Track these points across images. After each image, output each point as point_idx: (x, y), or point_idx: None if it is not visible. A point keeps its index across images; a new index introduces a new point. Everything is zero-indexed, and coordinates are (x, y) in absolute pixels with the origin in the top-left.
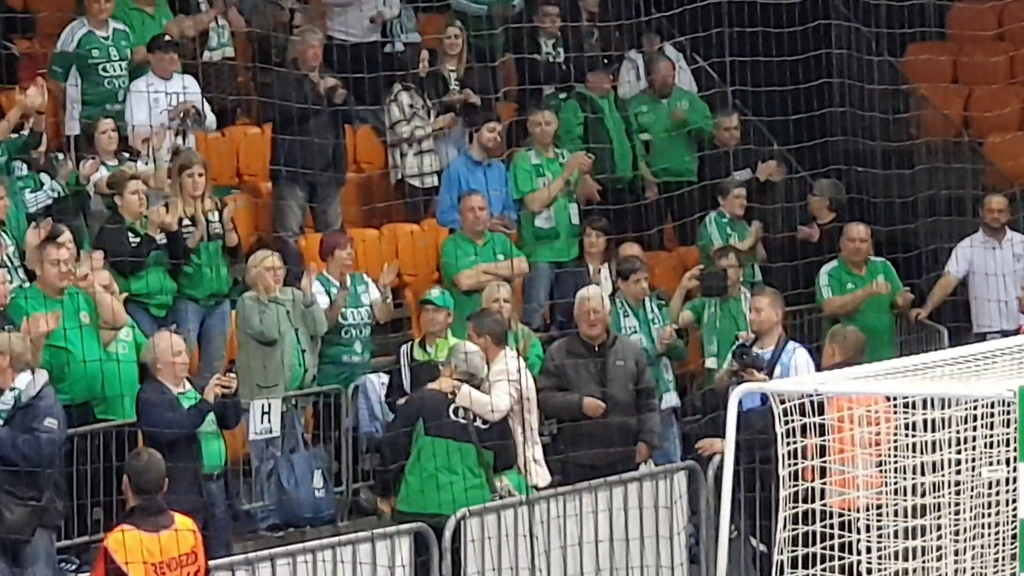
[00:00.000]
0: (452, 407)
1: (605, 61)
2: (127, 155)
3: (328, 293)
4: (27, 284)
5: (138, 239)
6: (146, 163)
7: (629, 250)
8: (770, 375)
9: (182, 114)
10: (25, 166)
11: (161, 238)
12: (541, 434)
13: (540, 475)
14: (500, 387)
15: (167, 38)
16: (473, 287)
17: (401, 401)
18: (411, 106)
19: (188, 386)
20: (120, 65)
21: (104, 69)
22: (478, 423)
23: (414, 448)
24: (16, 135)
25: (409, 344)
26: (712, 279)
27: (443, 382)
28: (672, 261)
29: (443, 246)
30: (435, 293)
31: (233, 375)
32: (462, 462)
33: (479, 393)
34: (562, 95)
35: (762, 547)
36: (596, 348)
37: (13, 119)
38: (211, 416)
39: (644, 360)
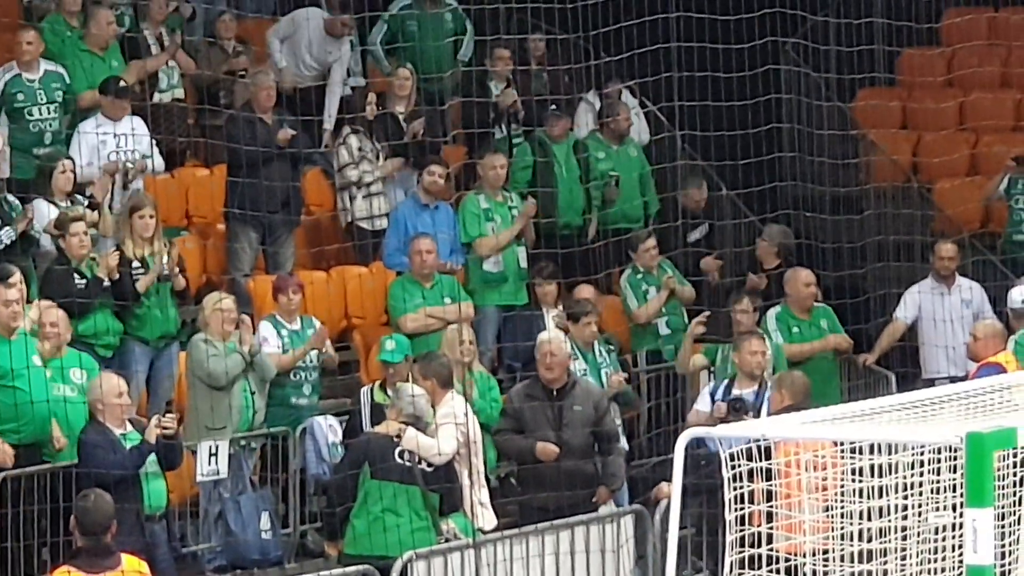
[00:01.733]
0: (398, 450)
1: (554, 107)
2: (80, 196)
3: (279, 335)
4: None
5: (84, 281)
6: (93, 207)
7: (581, 293)
8: (757, 415)
9: (124, 168)
10: None
11: (107, 281)
12: (497, 476)
13: (487, 518)
14: (446, 430)
15: (121, 83)
16: (418, 330)
17: (349, 443)
18: (360, 149)
19: (130, 427)
20: (49, 108)
21: (30, 112)
22: (423, 466)
23: (360, 491)
24: None
25: (369, 387)
26: (719, 323)
27: (389, 425)
28: (618, 306)
29: (390, 288)
30: (391, 346)
31: (173, 416)
32: (408, 505)
33: (424, 437)
34: (516, 138)
35: None
36: (555, 392)
37: None
38: (152, 457)
39: (604, 404)
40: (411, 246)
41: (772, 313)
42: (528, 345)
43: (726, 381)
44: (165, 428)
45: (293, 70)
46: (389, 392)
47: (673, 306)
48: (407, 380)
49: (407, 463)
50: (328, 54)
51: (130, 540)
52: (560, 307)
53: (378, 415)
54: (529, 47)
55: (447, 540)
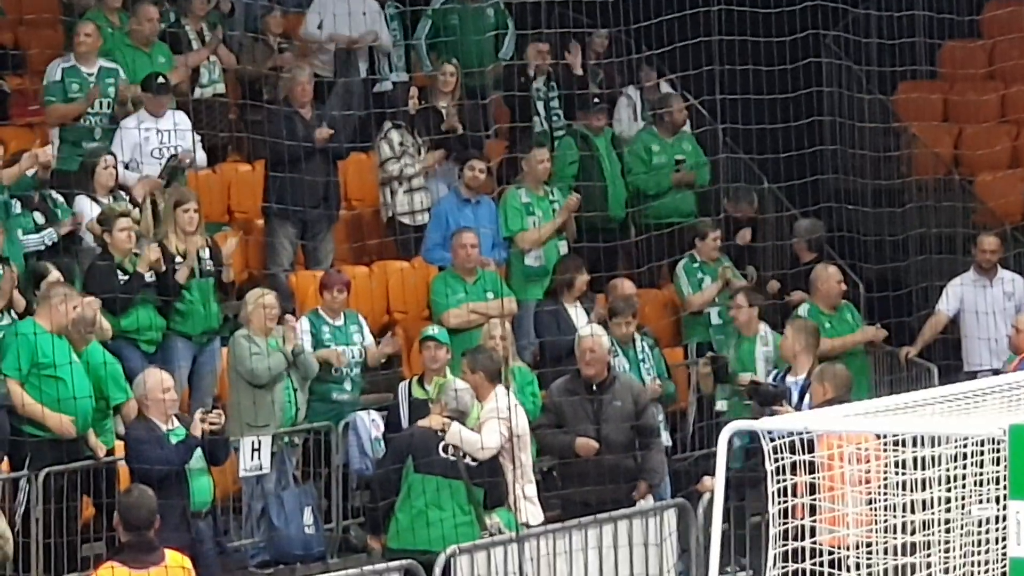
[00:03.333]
0: (441, 444)
1: (596, 101)
2: (122, 192)
3: (320, 331)
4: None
5: (127, 276)
6: (134, 204)
7: (622, 288)
8: (800, 401)
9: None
10: (19, 203)
11: (150, 275)
12: (539, 471)
13: (532, 513)
14: (491, 425)
15: (160, 80)
16: (461, 325)
17: (391, 438)
18: (401, 144)
19: (176, 423)
20: (102, 103)
21: None
22: (467, 460)
23: (404, 485)
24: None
25: (408, 381)
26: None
27: (433, 419)
28: (662, 299)
29: (433, 283)
30: (435, 330)
31: (219, 411)
32: (452, 499)
33: (469, 432)
34: (558, 132)
35: None
36: (595, 387)
37: (24, 167)
38: (199, 453)
39: (644, 399)
40: (454, 240)
41: (803, 310)
42: (567, 339)
43: (783, 371)
44: (212, 424)
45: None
46: (426, 386)
47: (726, 297)
48: (444, 373)
49: (451, 457)
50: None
51: (176, 536)
52: (595, 302)
53: (417, 409)
54: (585, 40)
55: (491, 535)
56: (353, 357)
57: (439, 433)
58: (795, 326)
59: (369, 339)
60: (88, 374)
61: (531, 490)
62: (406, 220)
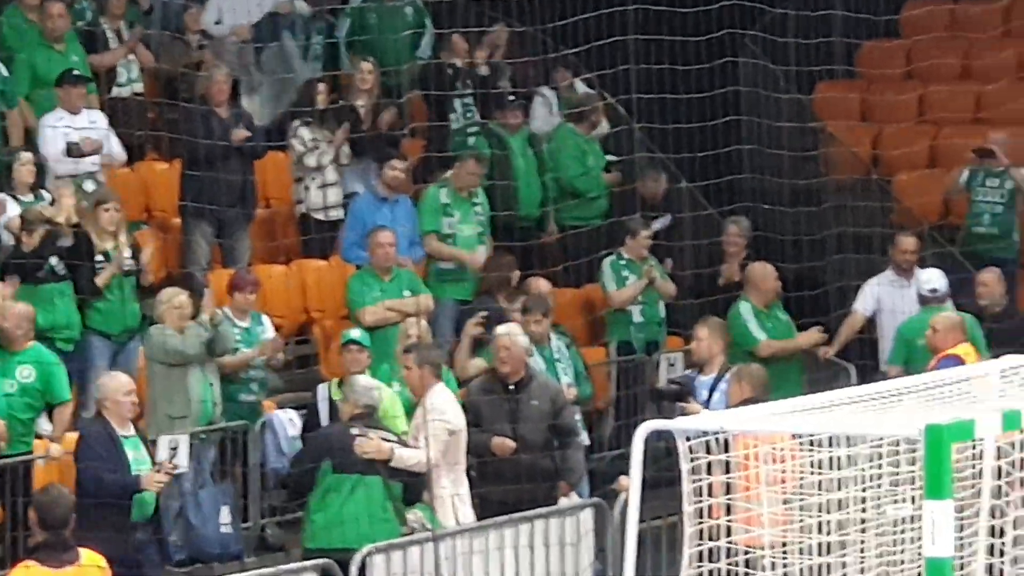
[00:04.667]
0: (358, 443)
1: (512, 98)
2: (43, 190)
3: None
4: None
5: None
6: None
7: (537, 287)
8: (710, 399)
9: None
10: None
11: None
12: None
13: (463, 513)
14: (430, 433)
15: (75, 74)
16: (377, 323)
17: (307, 437)
18: (313, 140)
19: (132, 429)
20: None
21: None
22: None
23: (321, 484)
24: None
25: (327, 384)
26: (496, 322)
27: (368, 445)
28: (581, 298)
29: (349, 282)
30: (357, 333)
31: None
32: (369, 497)
33: (410, 451)
34: (471, 130)
35: None
36: (512, 387)
37: None
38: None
39: (562, 399)
40: (371, 239)
41: (745, 308)
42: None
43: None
44: (159, 483)
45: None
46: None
47: (651, 297)
48: (365, 370)
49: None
50: None
51: (116, 540)
52: (512, 301)
53: (337, 412)
54: (489, 40)
55: (413, 531)
56: (260, 361)
57: (355, 433)
58: (710, 325)
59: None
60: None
61: (464, 489)
62: (320, 216)
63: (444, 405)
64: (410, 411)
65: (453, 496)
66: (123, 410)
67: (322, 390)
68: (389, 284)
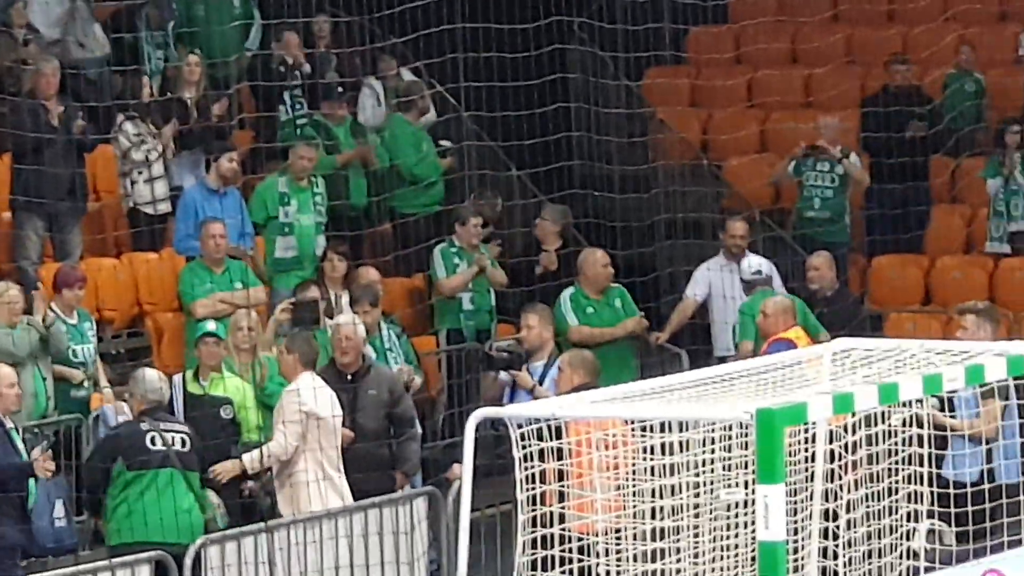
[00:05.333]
0: (149, 437)
1: (340, 89)
2: None
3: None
4: None
5: None
6: None
7: (367, 276)
8: (540, 385)
9: None
10: None
11: None
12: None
13: (329, 498)
14: (291, 424)
15: None
16: (208, 315)
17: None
18: (138, 134)
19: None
20: None
21: None
22: (177, 447)
23: (116, 482)
24: None
25: (182, 376)
26: (304, 310)
27: (133, 408)
28: (411, 287)
29: (181, 274)
30: (213, 326)
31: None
32: (168, 490)
33: (276, 445)
34: (300, 122)
35: None
36: (349, 376)
37: None
38: None
39: (399, 389)
40: (202, 231)
41: (567, 294)
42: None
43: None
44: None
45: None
46: (203, 381)
47: (482, 285)
48: (220, 369)
49: (160, 448)
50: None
51: (16, 530)
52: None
53: (193, 404)
54: (316, 29)
55: (214, 519)
56: (89, 355)
57: (144, 427)
58: (539, 312)
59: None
60: None
61: (334, 474)
62: (148, 210)
63: (305, 391)
64: (263, 401)
65: (316, 482)
66: (7, 402)
67: (177, 382)
68: (220, 276)
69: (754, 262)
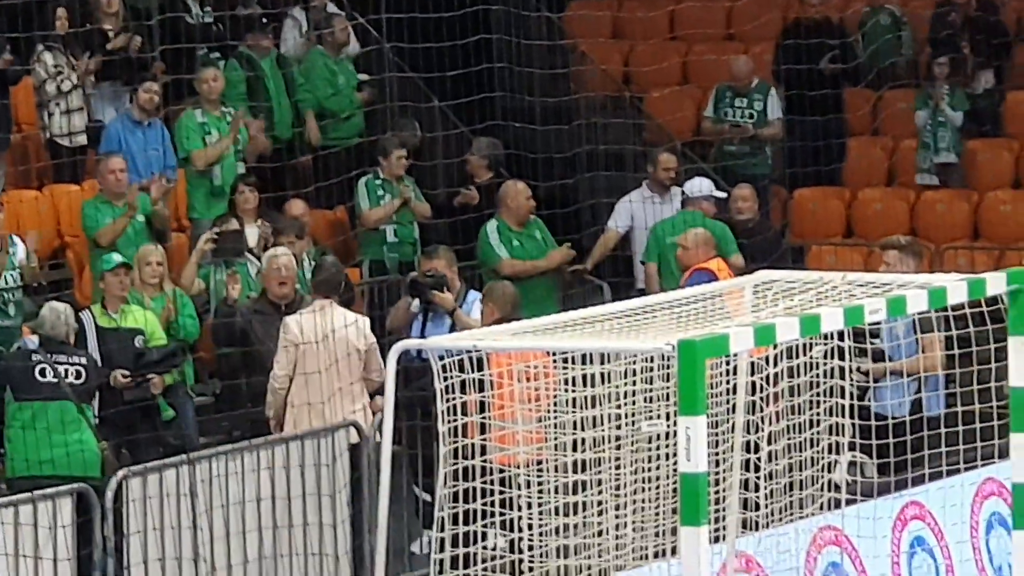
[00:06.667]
0: (40, 368)
1: (264, 20)
2: None
3: None
4: None
5: None
6: None
7: (292, 209)
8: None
9: None
10: None
11: None
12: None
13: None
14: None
15: None
16: (110, 243)
17: None
18: (56, 65)
19: None
20: None
21: None
22: (71, 379)
23: (8, 412)
24: None
25: (89, 309)
26: (229, 240)
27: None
28: (333, 218)
29: (83, 207)
30: (119, 257)
31: None
32: (59, 421)
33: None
34: (216, 55)
35: (426, 496)
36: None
37: None
38: None
39: None
40: (101, 165)
41: (492, 227)
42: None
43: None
44: None
45: None
46: (112, 313)
47: (405, 217)
48: (127, 300)
49: (52, 380)
50: None
51: None
52: (261, 221)
53: (104, 337)
54: None
55: (104, 449)
56: (14, 282)
57: (34, 357)
58: (443, 254)
59: (30, 260)
60: None
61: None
62: (65, 142)
63: (292, 322)
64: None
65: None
66: None
67: (87, 317)
68: (121, 209)
69: (703, 184)
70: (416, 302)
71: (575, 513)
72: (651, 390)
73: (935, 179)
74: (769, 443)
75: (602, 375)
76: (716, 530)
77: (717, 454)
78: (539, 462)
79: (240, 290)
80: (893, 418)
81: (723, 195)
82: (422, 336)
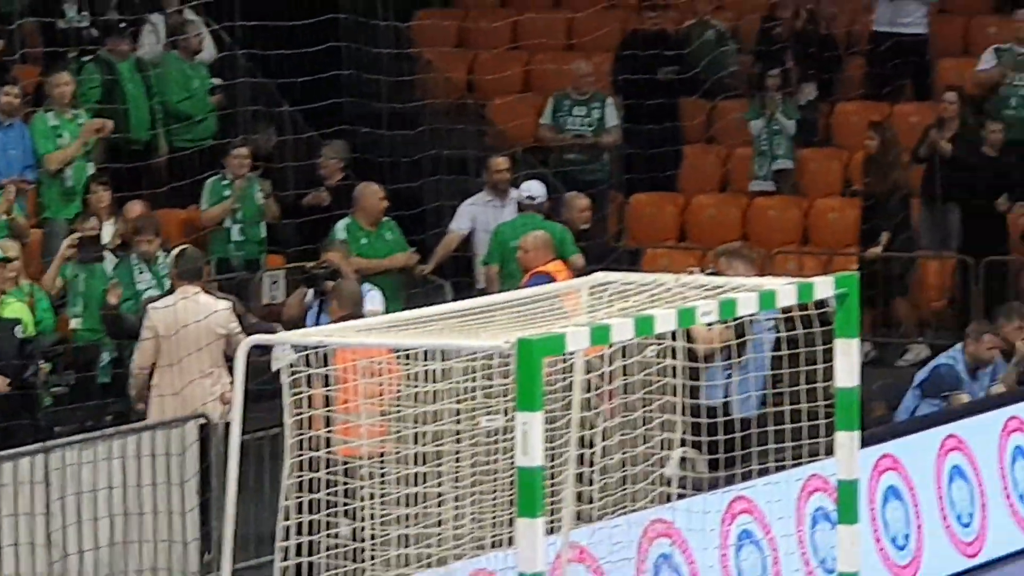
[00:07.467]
0: None
1: (123, 25)
2: None
3: None
4: None
5: None
6: None
7: (144, 207)
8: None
9: None
10: None
11: None
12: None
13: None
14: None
15: None
16: None
17: None
18: None
19: None
20: None
21: None
22: None
23: None
24: None
25: None
26: (89, 248)
27: None
28: (185, 217)
29: None
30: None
31: None
32: None
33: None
34: (85, 58)
35: None
36: None
37: None
38: None
39: None
40: None
41: (342, 224)
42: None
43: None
44: None
45: None
46: None
47: (252, 216)
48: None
49: None
50: None
51: None
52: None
53: None
54: None
55: None
56: None
57: None
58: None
59: None
60: None
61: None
62: None
63: (153, 311)
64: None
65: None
66: None
67: None
68: None
69: (533, 187)
70: (311, 293)
71: (416, 504)
72: (490, 387)
73: (772, 185)
74: (603, 439)
75: (443, 372)
76: (551, 522)
77: (553, 449)
78: (382, 454)
79: (120, 294)
80: (725, 416)
81: (542, 197)
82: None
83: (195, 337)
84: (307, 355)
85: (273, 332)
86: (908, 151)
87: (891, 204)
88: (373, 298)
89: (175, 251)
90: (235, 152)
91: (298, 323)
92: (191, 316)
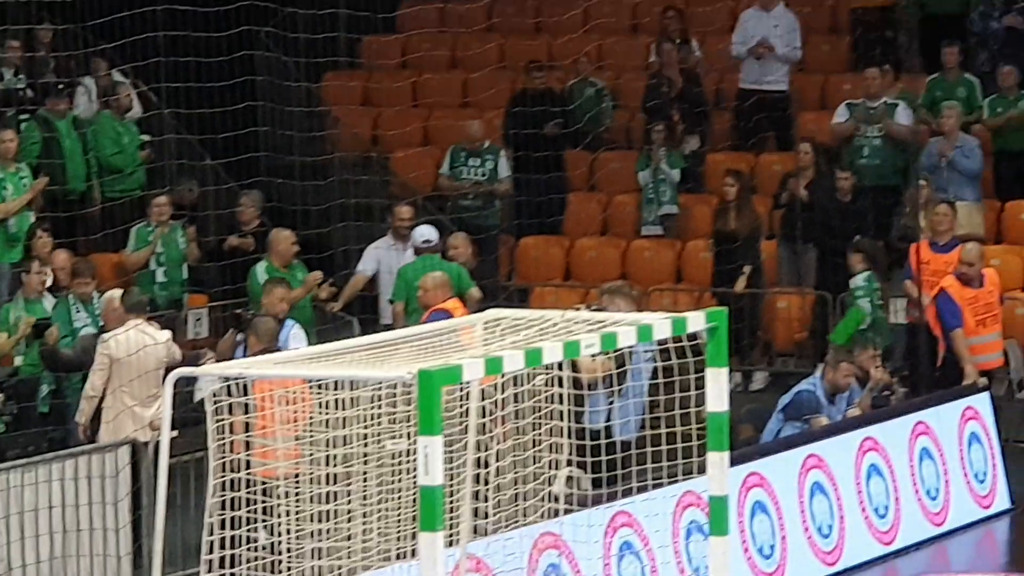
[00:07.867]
0: None
1: (60, 87)
2: None
3: None
4: None
5: None
6: None
7: (60, 256)
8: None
9: None
10: None
11: None
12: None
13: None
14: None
15: None
16: None
17: None
18: None
19: None
20: None
21: None
22: None
23: None
24: None
25: None
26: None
27: None
28: (115, 261)
29: None
30: None
31: None
32: None
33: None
34: (23, 117)
35: None
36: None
37: None
38: None
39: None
40: None
41: (260, 267)
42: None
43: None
44: None
45: None
46: None
47: (174, 259)
48: None
49: None
50: None
51: None
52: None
53: None
54: (37, 36)
55: None
56: None
57: None
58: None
59: None
60: None
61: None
62: None
63: (110, 339)
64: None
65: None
66: None
67: None
68: None
69: (425, 231)
70: (241, 334)
71: (328, 520)
72: (395, 413)
73: (660, 229)
74: (497, 460)
75: (352, 400)
76: (450, 535)
77: (452, 469)
78: (297, 475)
79: (58, 334)
80: (607, 438)
81: (436, 240)
82: None
83: (144, 363)
84: (228, 385)
85: (198, 365)
86: (770, 196)
87: (750, 244)
88: (297, 335)
89: (121, 290)
90: (156, 201)
91: (229, 359)
92: (141, 344)
